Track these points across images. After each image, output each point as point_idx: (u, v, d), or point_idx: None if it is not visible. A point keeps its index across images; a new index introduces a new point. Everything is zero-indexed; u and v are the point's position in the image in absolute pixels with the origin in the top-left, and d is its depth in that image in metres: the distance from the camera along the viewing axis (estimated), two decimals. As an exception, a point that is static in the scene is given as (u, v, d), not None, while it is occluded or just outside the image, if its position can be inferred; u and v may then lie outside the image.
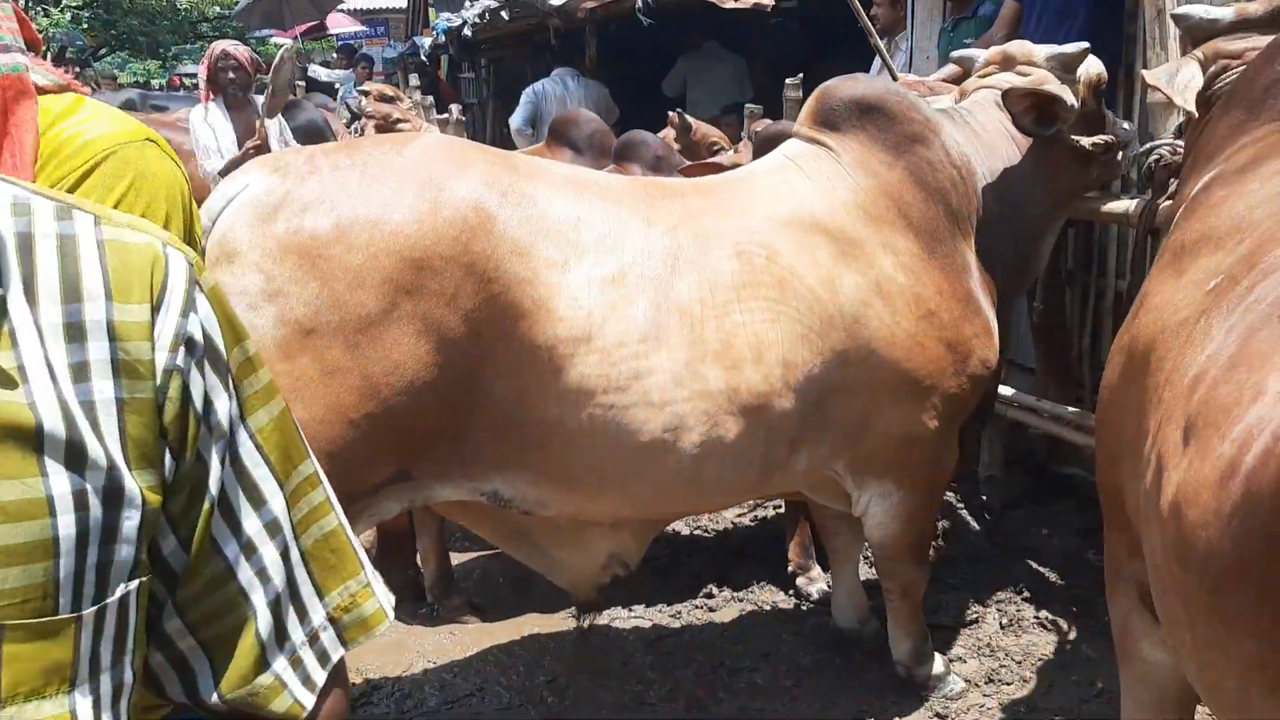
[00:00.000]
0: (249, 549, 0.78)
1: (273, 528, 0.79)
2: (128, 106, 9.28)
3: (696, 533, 3.99)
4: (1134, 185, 3.53)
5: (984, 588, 3.51)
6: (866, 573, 3.42)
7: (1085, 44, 2.85)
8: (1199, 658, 1.32)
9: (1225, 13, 2.21)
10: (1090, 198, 3.18)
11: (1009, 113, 2.72)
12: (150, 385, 0.69)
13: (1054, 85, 2.75)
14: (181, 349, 0.71)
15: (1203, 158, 1.99)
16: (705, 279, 2.32)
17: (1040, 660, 3.08)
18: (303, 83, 10.34)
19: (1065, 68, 2.82)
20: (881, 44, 3.94)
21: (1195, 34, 2.25)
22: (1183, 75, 2.15)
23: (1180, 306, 1.59)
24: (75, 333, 0.67)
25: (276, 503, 0.80)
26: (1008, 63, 2.94)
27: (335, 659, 0.85)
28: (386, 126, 5.82)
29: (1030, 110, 2.70)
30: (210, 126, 5.26)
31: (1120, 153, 2.98)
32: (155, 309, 0.70)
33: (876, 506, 2.67)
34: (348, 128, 7.24)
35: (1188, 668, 1.39)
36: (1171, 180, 2.95)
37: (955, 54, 3.39)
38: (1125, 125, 3.04)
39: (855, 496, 2.68)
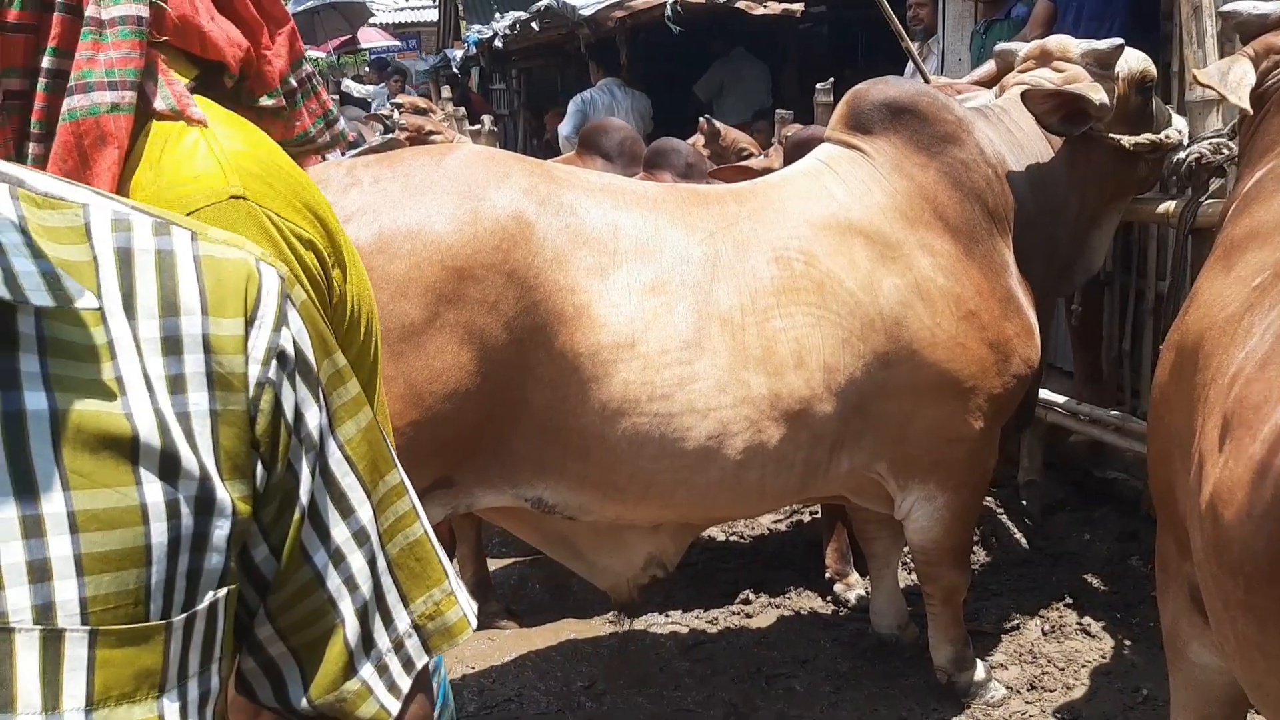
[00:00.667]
0: (337, 557, 0.78)
1: (360, 536, 0.80)
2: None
3: (732, 539, 3.99)
4: (1172, 185, 3.50)
5: (1025, 593, 3.47)
6: (905, 579, 3.40)
7: (1120, 40, 2.82)
8: (1241, 656, 1.32)
9: (1275, 7, 2.18)
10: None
11: (1031, 113, 2.70)
12: (243, 397, 0.71)
13: (1084, 83, 2.71)
14: (274, 362, 0.73)
15: (1256, 154, 1.97)
16: (745, 285, 2.33)
17: (1083, 666, 3.05)
18: (336, 97, 10.48)
19: (1101, 64, 2.78)
20: (914, 46, 3.93)
21: (1244, 30, 2.22)
22: (1235, 73, 2.12)
23: (1227, 302, 1.58)
24: (172, 346, 0.68)
25: (364, 512, 0.81)
26: (1044, 58, 2.91)
27: (420, 666, 0.85)
28: (419, 139, 5.88)
29: (1056, 110, 2.67)
30: None
31: (1176, 149, 2.91)
32: (249, 323, 0.72)
33: (919, 510, 2.66)
34: (381, 139, 7.32)
35: (1233, 665, 1.40)
36: (1213, 179, 2.92)
37: (999, 47, 3.36)
38: (1178, 122, 2.97)
39: (898, 500, 2.67)
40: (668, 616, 3.42)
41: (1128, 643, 3.15)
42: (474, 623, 0.90)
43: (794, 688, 3.02)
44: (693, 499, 2.40)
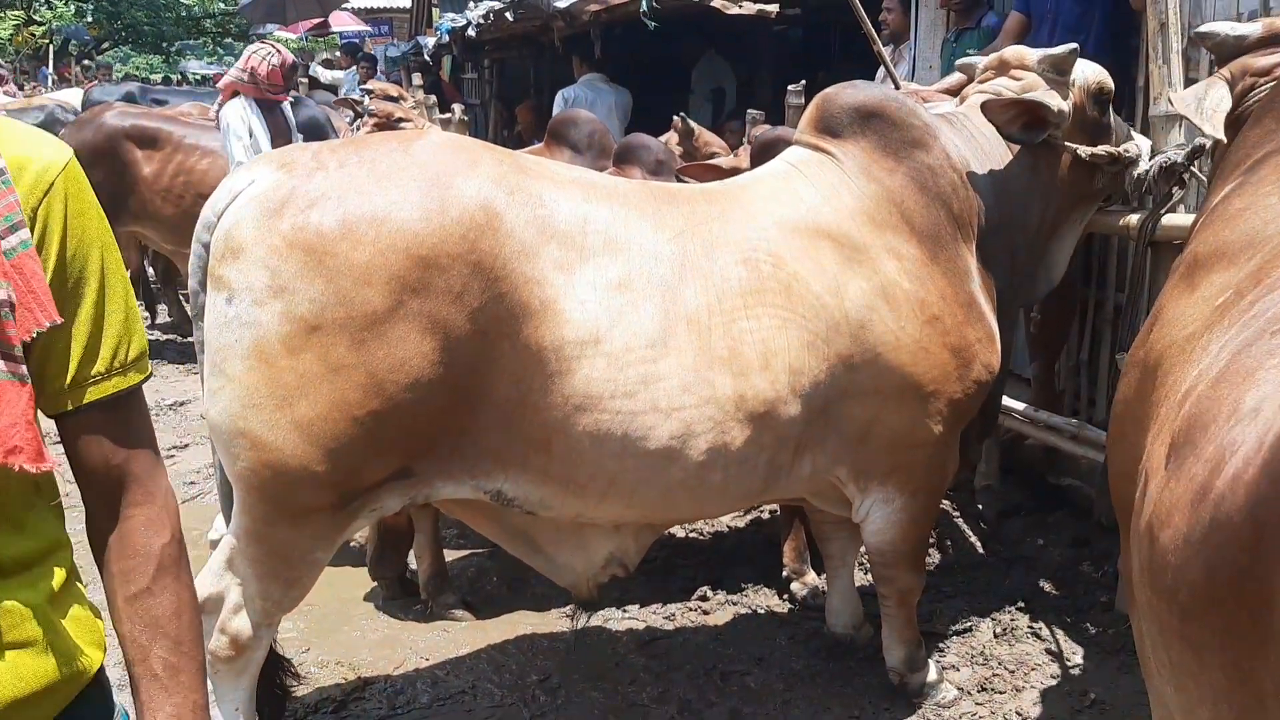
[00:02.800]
0: None
1: None
2: (128, 99, 9.27)
3: (691, 535, 4.00)
4: (1134, 197, 3.55)
5: (978, 596, 3.52)
6: (861, 579, 3.43)
7: (1074, 45, 2.84)
8: (1175, 683, 1.27)
9: (1253, 28, 2.20)
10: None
11: (992, 123, 2.73)
12: None
13: (1041, 91, 2.74)
14: None
15: (1229, 168, 1.96)
16: (713, 285, 2.33)
17: (1033, 669, 3.09)
18: (305, 80, 10.34)
19: (1056, 69, 2.82)
20: (886, 51, 3.96)
21: (1221, 51, 2.23)
22: (1211, 98, 2.11)
23: (1188, 321, 1.57)
24: None
25: None
26: (1003, 68, 2.95)
27: None
28: (388, 125, 5.82)
29: (1016, 119, 2.70)
30: (246, 123, 5.42)
31: (1129, 167, 2.97)
32: None
33: (877, 512, 2.68)
34: (350, 125, 7.24)
35: (1165, 691, 1.34)
36: (1175, 191, 2.96)
37: (959, 62, 3.40)
38: (1139, 140, 3.02)
39: (856, 502, 2.68)
40: (625, 612, 3.42)
41: (1078, 647, 3.20)
42: None
43: (748, 685, 3.03)
44: (654, 498, 2.40)
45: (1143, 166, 2.97)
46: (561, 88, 7.47)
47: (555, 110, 7.00)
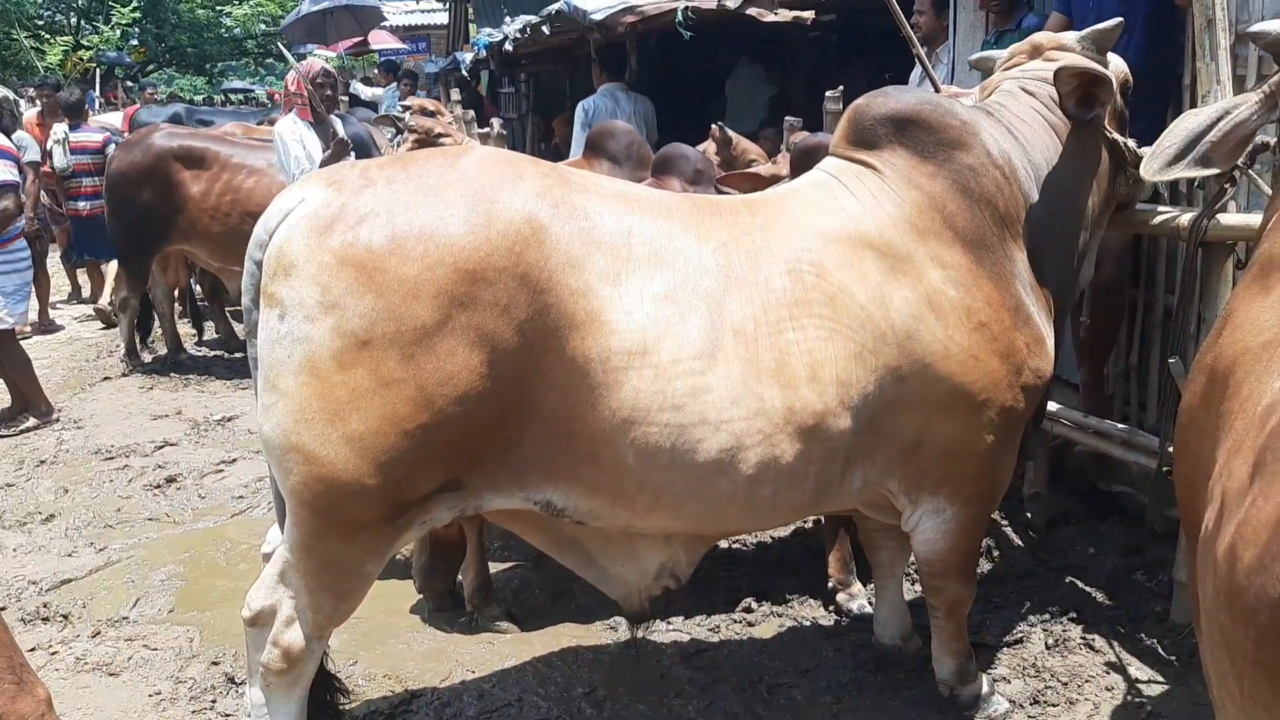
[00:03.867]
0: None
1: None
2: (174, 120, 9.46)
3: (735, 546, 3.98)
4: (1183, 197, 3.49)
5: (1029, 607, 3.46)
6: (910, 590, 3.39)
7: (1119, 19, 2.80)
8: (1245, 714, 1.22)
9: None
10: (1140, 209, 3.14)
11: (1059, 92, 2.66)
12: None
13: (1093, 64, 2.71)
14: None
15: None
16: (758, 296, 2.32)
17: (1086, 681, 3.04)
18: (345, 98, 10.48)
19: (1098, 46, 2.78)
20: (924, 53, 3.92)
21: (1276, 50, 2.18)
22: (1222, 126, 1.97)
23: (1265, 327, 1.51)
24: None
25: None
26: (1035, 52, 2.90)
27: None
28: (428, 140, 5.89)
29: (1074, 91, 2.65)
30: (300, 140, 5.56)
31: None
32: None
33: (927, 523, 2.64)
34: (390, 141, 7.33)
35: None
36: (1227, 188, 2.90)
37: (974, 57, 3.35)
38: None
39: (906, 513, 2.65)
40: (669, 624, 3.41)
41: (1132, 658, 3.14)
42: None
43: (795, 697, 3.01)
44: (703, 511, 2.39)
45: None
46: (594, 100, 7.50)
47: (576, 121, 7.02)
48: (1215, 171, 2.07)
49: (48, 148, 8.24)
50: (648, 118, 7.10)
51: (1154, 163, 2.10)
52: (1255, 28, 2.24)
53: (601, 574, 2.61)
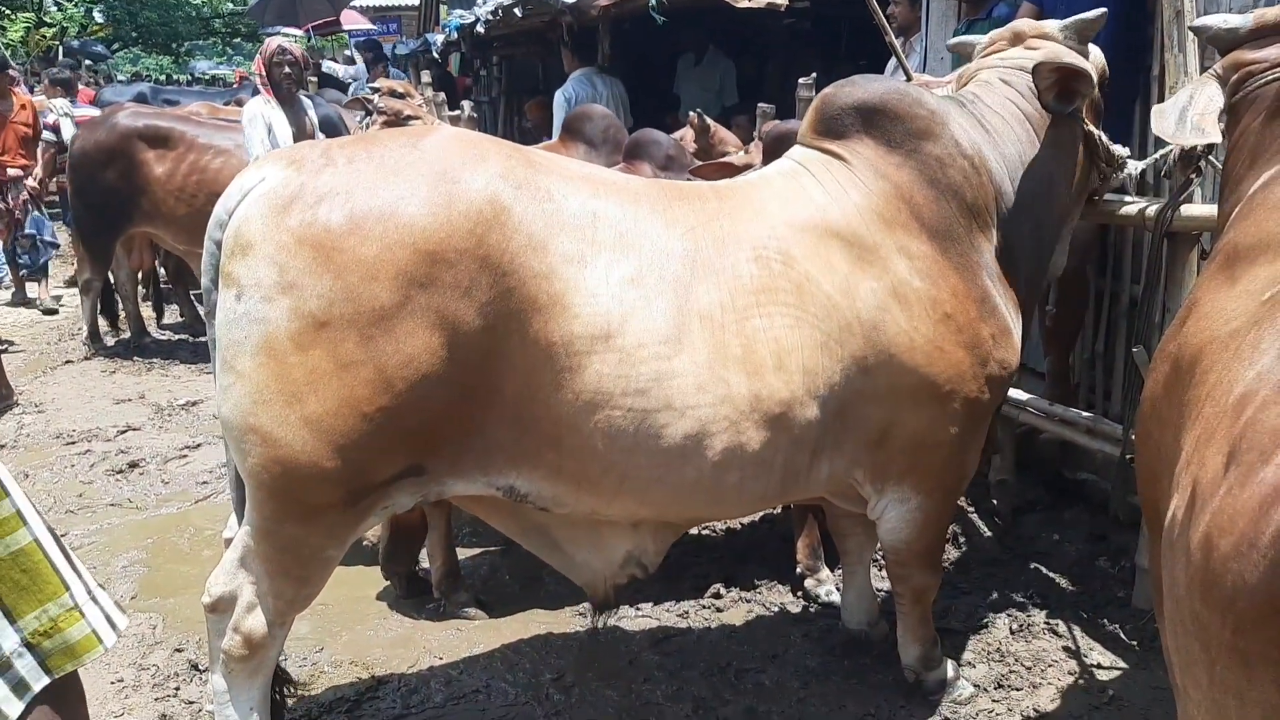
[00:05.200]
0: None
1: None
2: (139, 99, 9.30)
3: (704, 532, 3.98)
4: (1147, 188, 3.51)
5: (994, 592, 3.49)
6: (878, 576, 3.40)
7: (1103, 9, 2.79)
8: (1213, 701, 1.23)
9: (1244, 20, 2.18)
10: (1107, 199, 3.15)
11: (1038, 87, 2.65)
12: None
13: (1073, 58, 2.70)
14: None
15: (1257, 157, 1.90)
16: (725, 283, 2.30)
17: (1050, 666, 3.07)
18: (315, 79, 10.34)
19: (1080, 36, 2.77)
20: (897, 43, 3.92)
21: (1216, 44, 2.20)
22: (1198, 104, 2.05)
23: (1231, 316, 1.51)
24: None
25: None
26: (1016, 39, 2.89)
27: (37, 688, 0.79)
28: (397, 122, 5.82)
29: (1054, 85, 2.64)
30: (266, 120, 5.47)
31: (1119, 173, 2.91)
32: None
33: (893, 512, 2.64)
34: (360, 124, 7.23)
35: (1198, 712, 1.29)
36: (1193, 178, 2.92)
37: (952, 41, 3.33)
38: (1122, 150, 2.93)
39: (872, 501, 2.65)
40: (638, 610, 3.40)
41: (1095, 643, 3.18)
42: (107, 640, 0.83)
43: (763, 683, 3.01)
44: (669, 498, 2.37)
45: (1130, 170, 2.91)
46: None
47: (556, 109, 6.98)
48: (1215, 140, 2.08)
49: (51, 122, 8.19)
50: (622, 100, 7.07)
51: (1164, 124, 2.10)
52: (1196, 22, 2.27)
53: (567, 561, 2.59)
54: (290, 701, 2.71)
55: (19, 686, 0.77)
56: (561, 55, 7.48)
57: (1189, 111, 2.08)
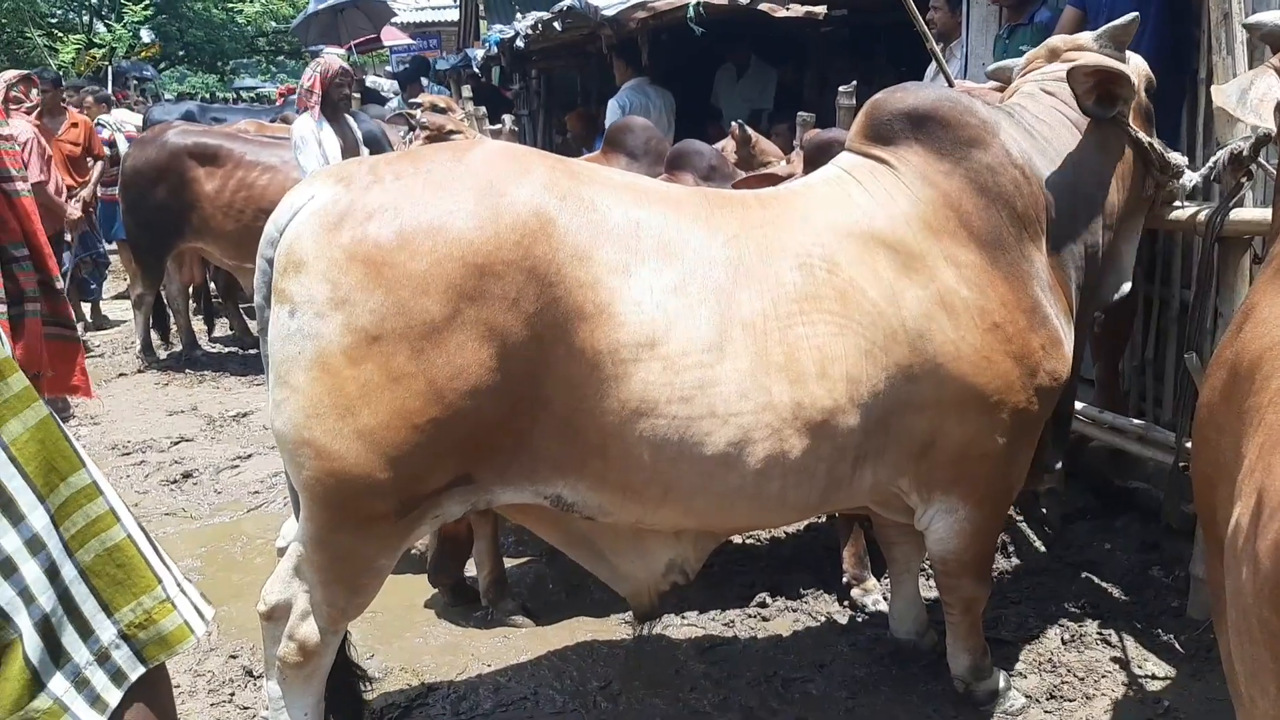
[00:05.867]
0: (7, 568, 0.74)
1: (34, 544, 0.76)
2: (188, 118, 9.50)
3: (749, 541, 3.97)
4: (1197, 192, 3.46)
5: (1045, 602, 3.44)
6: (926, 585, 3.38)
7: (1135, 14, 2.76)
8: None
9: None
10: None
11: (1074, 93, 2.63)
12: None
13: (1109, 61, 2.67)
14: None
15: None
16: (768, 290, 2.30)
17: (1103, 677, 3.02)
18: (358, 95, 10.51)
19: (1116, 42, 2.74)
20: (938, 49, 3.90)
21: (1272, 40, 2.17)
22: (1257, 89, 2.04)
23: None
24: None
25: (37, 518, 0.76)
26: (1052, 55, 2.87)
27: (133, 677, 0.81)
28: (439, 137, 5.90)
29: (1093, 90, 2.61)
30: (318, 139, 5.63)
31: (1175, 181, 2.85)
32: None
33: (940, 522, 2.62)
34: (402, 139, 7.34)
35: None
36: (1244, 182, 2.87)
37: (990, 68, 3.32)
38: (1179, 158, 2.89)
39: (919, 511, 2.63)
40: (684, 618, 3.41)
41: (1149, 654, 3.12)
42: (198, 630, 0.85)
43: (810, 692, 3.00)
44: (712, 506, 2.38)
45: (1190, 178, 2.86)
46: (609, 95, 7.49)
47: (609, 119, 7.02)
48: (1270, 127, 2.04)
49: (108, 137, 8.48)
50: (671, 111, 7.13)
51: (1227, 99, 2.06)
52: (1251, 19, 2.23)
53: (611, 570, 2.61)
54: (368, 697, 2.77)
55: (117, 676, 0.80)
56: (614, 66, 7.51)
57: (1249, 94, 2.04)
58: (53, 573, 0.77)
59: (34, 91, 7.35)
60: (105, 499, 0.82)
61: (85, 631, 0.79)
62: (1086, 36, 2.83)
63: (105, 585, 0.80)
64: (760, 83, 7.91)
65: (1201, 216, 2.98)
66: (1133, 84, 2.66)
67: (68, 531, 0.79)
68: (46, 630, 0.76)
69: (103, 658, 0.79)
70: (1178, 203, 3.17)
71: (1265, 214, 2.79)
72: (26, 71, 7.68)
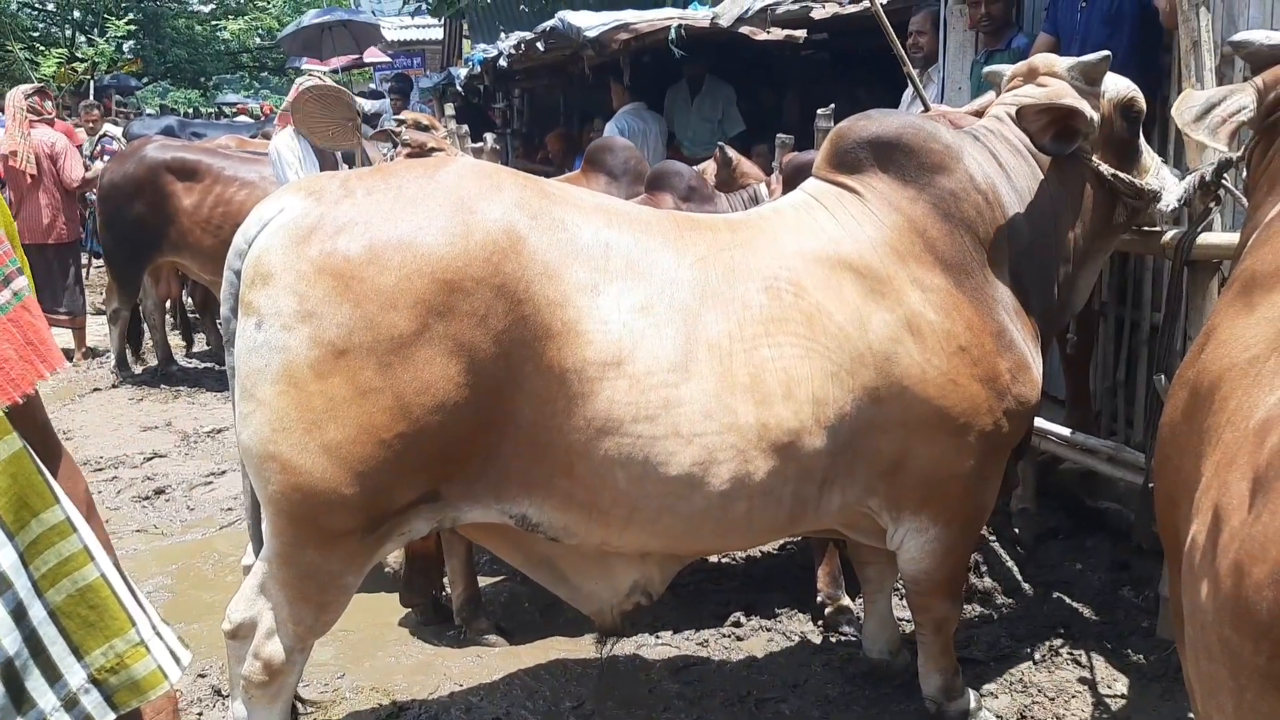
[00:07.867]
0: None
1: (0, 583, 0.72)
2: (167, 133, 9.49)
3: (723, 561, 3.97)
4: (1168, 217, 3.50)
5: (1016, 622, 3.45)
6: (899, 604, 3.38)
7: (1106, 53, 2.77)
8: None
9: None
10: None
11: (1027, 132, 2.65)
12: None
13: (1071, 98, 2.68)
14: None
15: (1276, 182, 1.89)
16: (734, 312, 2.32)
17: (1073, 697, 3.03)
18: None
19: (1086, 78, 2.75)
20: (915, 73, 3.94)
21: (1256, 61, 2.17)
22: (1226, 107, 2.04)
23: (1251, 343, 1.50)
24: None
25: (5, 555, 0.73)
26: (1030, 74, 2.90)
27: None
28: (421, 154, 5.90)
29: (1048, 127, 2.63)
30: (298, 156, 5.64)
31: (1152, 203, 2.85)
32: None
33: (911, 541, 2.62)
34: (384, 156, 7.34)
35: None
36: (1212, 207, 2.91)
37: (987, 69, 3.36)
38: (1168, 177, 2.90)
39: (890, 531, 2.63)
40: (658, 638, 3.39)
41: (1119, 674, 3.13)
42: (173, 676, 0.81)
43: (783, 712, 2.99)
44: (678, 528, 2.37)
45: (1168, 203, 2.85)
46: (590, 115, 7.54)
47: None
48: (1222, 148, 2.03)
49: (116, 149, 8.69)
50: (663, 136, 7.19)
51: (1186, 111, 2.05)
52: (1236, 37, 2.25)
53: (574, 590, 2.60)
54: (332, 718, 2.72)
55: None
56: (583, 88, 7.57)
57: (1215, 110, 2.03)
58: (19, 613, 0.73)
59: (48, 104, 7.80)
60: (79, 536, 0.79)
61: (53, 676, 0.75)
62: (1062, 64, 2.84)
63: (76, 627, 0.77)
64: (717, 100, 7.85)
65: (1170, 239, 3.01)
66: (1089, 118, 2.66)
67: (38, 570, 0.75)
68: (9, 675, 0.73)
69: (70, 703, 0.76)
70: (1148, 226, 3.20)
71: (1233, 238, 2.82)
72: (39, 85, 8.11)
